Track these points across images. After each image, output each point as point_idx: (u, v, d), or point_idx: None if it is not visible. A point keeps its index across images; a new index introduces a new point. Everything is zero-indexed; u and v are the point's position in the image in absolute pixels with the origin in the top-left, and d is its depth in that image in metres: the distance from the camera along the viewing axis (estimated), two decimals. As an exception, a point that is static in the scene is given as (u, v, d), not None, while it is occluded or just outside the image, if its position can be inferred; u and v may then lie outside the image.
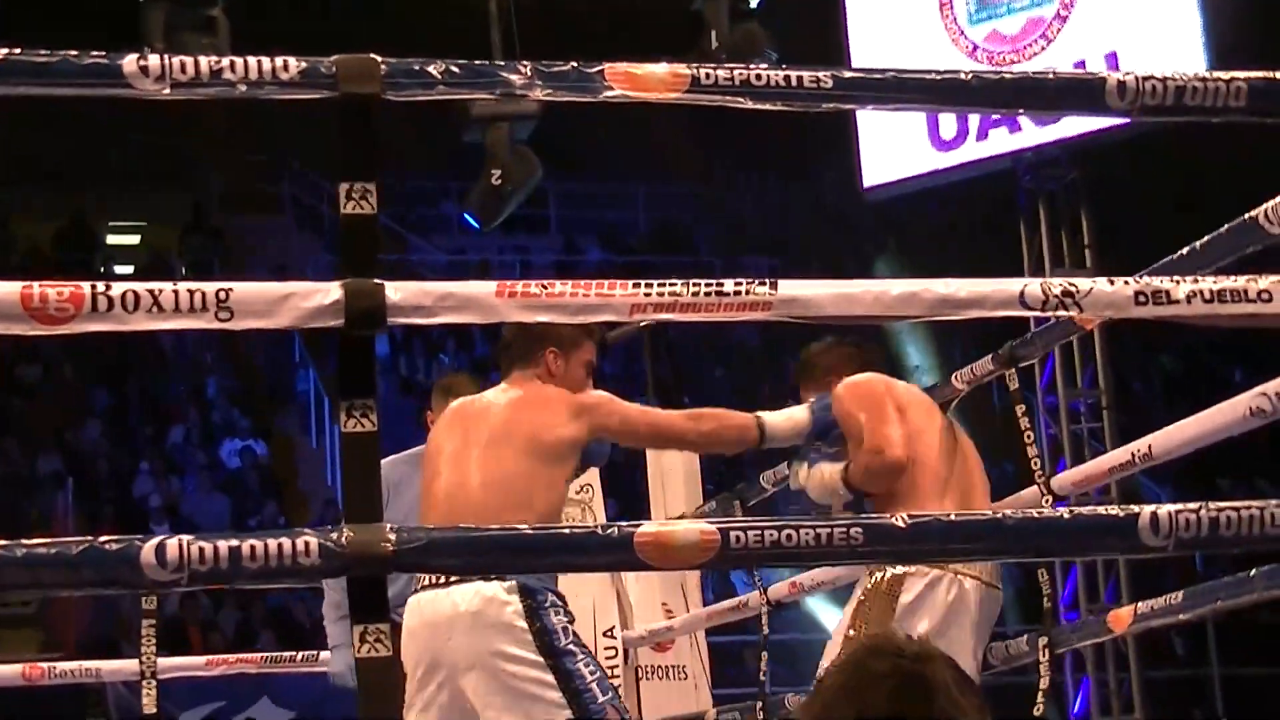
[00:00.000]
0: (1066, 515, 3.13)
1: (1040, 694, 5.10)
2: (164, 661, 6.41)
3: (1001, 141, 10.61)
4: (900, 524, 2.97)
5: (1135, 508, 3.00)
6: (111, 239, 19.02)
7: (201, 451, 15.33)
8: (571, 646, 4.24)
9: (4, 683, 6.64)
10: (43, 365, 15.73)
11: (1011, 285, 3.13)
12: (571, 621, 4.31)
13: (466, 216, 9.40)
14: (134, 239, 19.46)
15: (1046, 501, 4.99)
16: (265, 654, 7.28)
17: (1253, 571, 4.12)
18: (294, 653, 6.95)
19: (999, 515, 3.13)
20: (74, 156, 18.49)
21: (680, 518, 6.80)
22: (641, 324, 7.57)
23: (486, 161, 8.62)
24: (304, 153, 18.27)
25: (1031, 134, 10.45)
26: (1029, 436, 5.13)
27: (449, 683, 4.28)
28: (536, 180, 8.71)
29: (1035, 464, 5.09)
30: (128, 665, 6.61)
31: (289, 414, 16.83)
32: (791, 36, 8.75)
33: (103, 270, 17.78)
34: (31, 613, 12.30)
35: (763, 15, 8.75)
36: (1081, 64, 10.14)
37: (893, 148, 10.95)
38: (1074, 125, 10.13)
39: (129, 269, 18.23)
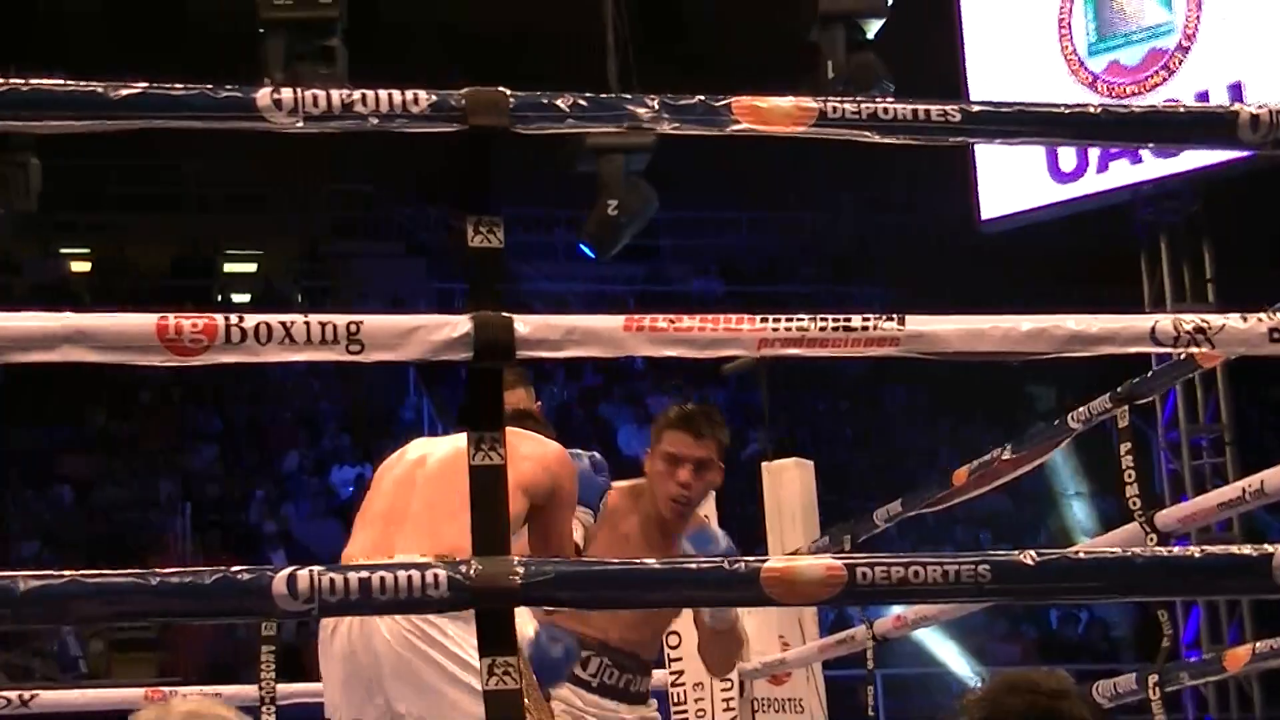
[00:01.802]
0: (1197, 554, 3.09)
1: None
2: (283, 687, 6.44)
3: (1122, 174, 10.52)
4: (1029, 561, 2.94)
5: (1268, 547, 2.96)
6: (229, 266, 19.21)
7: (314, 478, 15.44)
8: None
9: (126, 705, 6.69)
10: (155, 390, 15.91)
11: (1142, 321, 3.11)
12: None
13: (582, 246, 9.42)
14: (250, 266, 19.65)
15: (1150, 539, 4.93)
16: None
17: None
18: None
19: (1128, 554, 3.09)
20: (190, 183, 18.73)
21: (796, 552, 6.79)
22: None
23: (601, 192, 8.63)
24: (415, 181, 18.41)
25: (1152, 166, 10.35)
26: (1129, 475, 5.06)
27: None
28: (652, 211, 8.69)
29: (1134, 503, 5.03)
30: (247, 690, 6.66)
31: (399, 440, 16.88)
32: (908, 66, 8.71)
33: (220, 298, 17.96)
34: (151, 636, 12.41)
35: (879, 45, 8.70)
36: (1204, 95, 10.04)
37: (1011, 180, 10.88)
38: (1195, 158, 10.03)
39: (245, 297, 18.40)
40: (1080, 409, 4.99)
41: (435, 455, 4.32)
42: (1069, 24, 10.74)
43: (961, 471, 5.48)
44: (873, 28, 8.48)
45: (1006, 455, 5.24)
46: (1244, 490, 4.54)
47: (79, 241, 18.47)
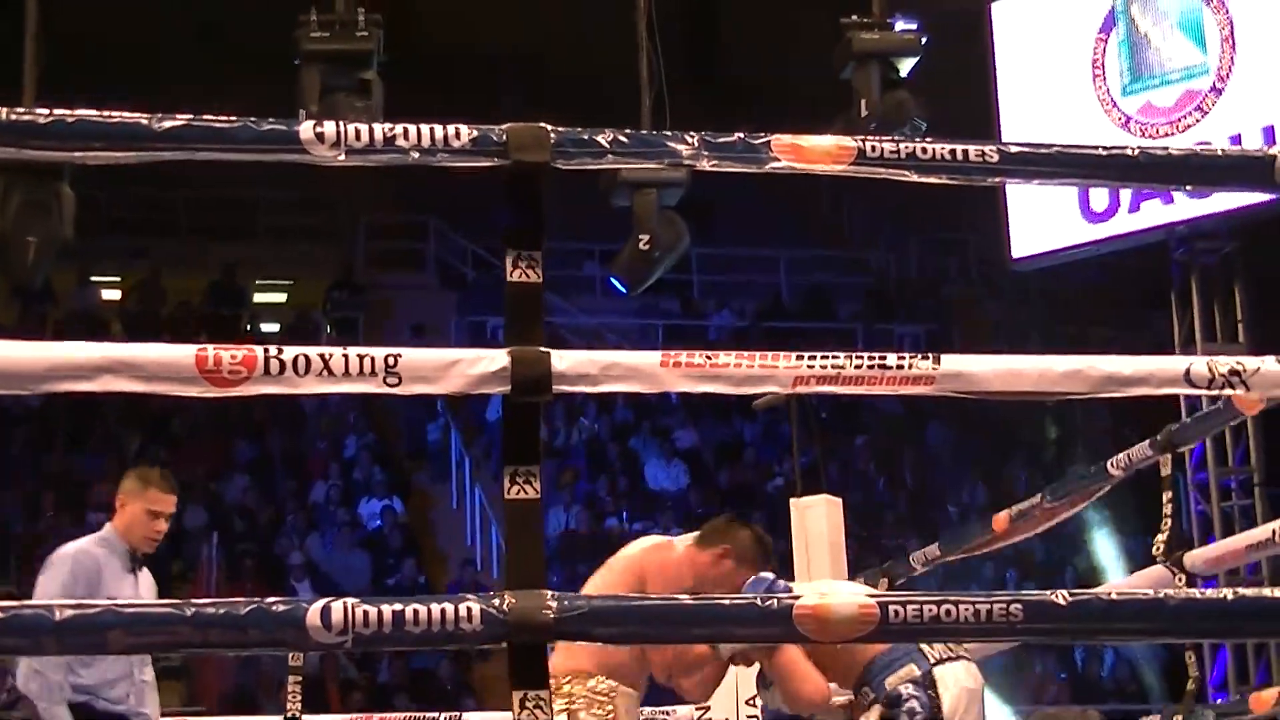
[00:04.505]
0: (1229, 597, 3.09)
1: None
2: (309, 719, 6.47)
3: (1154, 214, 10.50)
4: (1060, 601, 2.94)
5: (1300, 590, 2.96)
6: (259, 296, 19.25)
7: (342, 509, 15.45)
8: None
9: (153, 734, 6.70)
10: (190, 418, 15.94)
11: (1177, 364, 3.12)
12: None
13: (613, 280, 9.42)
14: (280, 296, 19.69)
15: (1178, 580, 4.93)
16: (409, 714, 7.34)
17: None
18: (434, 713, 7.00)
19: (1161, 595, 3.09)
20: (223, 211, 18.79)
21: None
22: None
23: (634, 226, 8.63)
24: (448, 212, 18.45)
25: (1185, 207, 10.33)
26: (1166, 523, 5.06)
27: None
28: (685, 246, 8.69)
29: (1159, 545, 5.02)
30: (272, 720, 6.69)
31: (429, 472, 16.93)
32: (941, 105, 8.72)
33: (249, 327, 18.01)
34: (175, 665, 12.41)
35: (912, 83, 8.71)
36: (1237, 138, 10.04)
37: (1043, 219, 10.87)
38: (1229, 199, 10.01)
39: (275, 326, 18.44)
40: (1120, 455, 4.99)
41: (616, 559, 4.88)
42: (1103, 64, 10.74)
43: (1002, 517, 5.47)
44: (906, 66, 8.50)
45: (1046, 504, 5.24)
46: (1274, 533, 4.54)
47: (113, 270, 18.55)
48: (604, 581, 4.78)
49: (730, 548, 4.76)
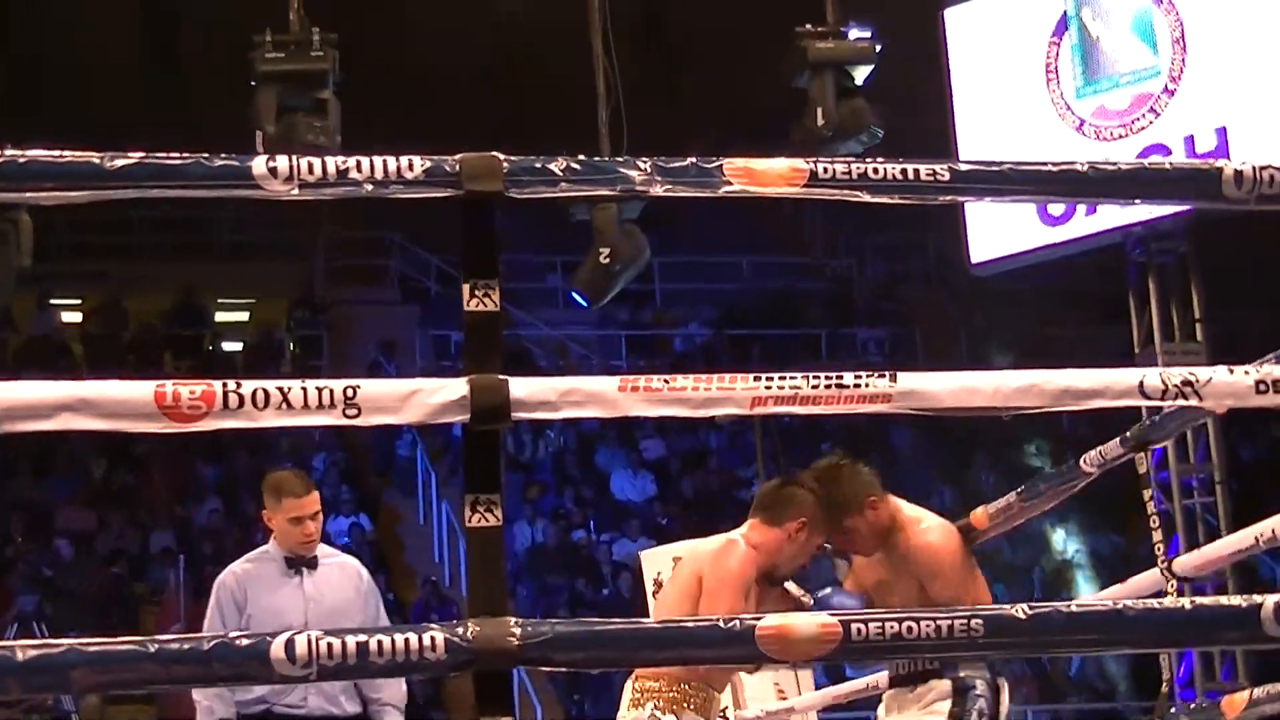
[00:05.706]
0: (1188, 605, 3.12)
1: (1157, 777, 5.06)
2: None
3: (1111, 216, 10.53)
4: (1020, 615, 2.97)
5: (1258, 598, 2.99)
6: (220, 315, 19.23)
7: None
8: None
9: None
10: (152, 442, 15.89)
11: (1130, 376, 3.14)
12: None
13: (574, 294, 9.45)
14: (243, 315, 19.67)
15: (1171, 586, 4.94)
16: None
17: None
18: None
19: (1119, 606, 3.11)
20: (182, 231, 18.78)
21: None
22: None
23: (594, 239, 8.65)
24: (410, 228, 18.46)
25: (1141, 209, 10.34)
26: (1154, 521, 5.08)
27: None
28: (645, 259, 8.73)
29: (1159, 549, 5.04)
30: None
31: (396, 490, 16.92)
32: (897, 111, 8.75)
33: (211, 348, 17.97)
34: (145, 689, 12.37)
35: (868, 91, 8.74)
36: (1190, 139, 10.08)
37: (1001, 223, 10.91)
38: (1184, 200, 10.04)
39: (238, 345, 18.41)
40: (1092, 453, 4.98)
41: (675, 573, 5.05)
42: (1056, 68, 10.79)
43: (981, 515, 5.44)
44: (861, 74, 8.53)
45: (1020, 501, 5.24)
46: (1257, 538, 4.55)
47: (73, 292, 18.51)
48: (667, 597, 4.90)
49: (805, 521, 4.92)
